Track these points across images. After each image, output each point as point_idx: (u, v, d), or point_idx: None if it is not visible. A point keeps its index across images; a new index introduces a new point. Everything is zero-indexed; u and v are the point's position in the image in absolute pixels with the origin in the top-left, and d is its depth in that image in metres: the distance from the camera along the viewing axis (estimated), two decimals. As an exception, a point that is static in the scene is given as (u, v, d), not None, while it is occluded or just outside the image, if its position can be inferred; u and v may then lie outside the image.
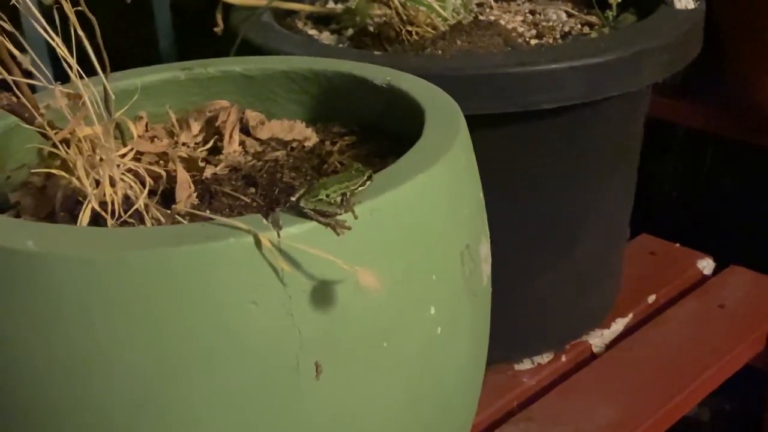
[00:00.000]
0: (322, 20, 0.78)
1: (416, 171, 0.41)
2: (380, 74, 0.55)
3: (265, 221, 0.38)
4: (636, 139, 0.72)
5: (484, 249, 0.47)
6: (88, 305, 0.37)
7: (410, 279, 0.41)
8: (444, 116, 0.48)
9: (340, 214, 0.38)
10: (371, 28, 0.72)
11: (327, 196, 0.39)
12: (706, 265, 0.88)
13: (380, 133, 0.55)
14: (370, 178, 0.40)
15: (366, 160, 0.52)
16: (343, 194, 0.39)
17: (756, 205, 1.05)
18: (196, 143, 0.55)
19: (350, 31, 0.75)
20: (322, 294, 0.38)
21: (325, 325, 0.38)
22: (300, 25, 0.77)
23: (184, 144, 0.54)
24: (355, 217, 0.38)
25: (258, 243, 0.36)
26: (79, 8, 0.39)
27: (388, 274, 0.39)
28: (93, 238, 0.37)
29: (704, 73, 0.81)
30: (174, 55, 0.93)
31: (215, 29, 0.72)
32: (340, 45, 0.73)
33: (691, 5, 0.68)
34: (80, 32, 0.39)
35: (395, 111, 0.53)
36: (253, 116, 0.57)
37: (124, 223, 0.43)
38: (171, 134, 0.54)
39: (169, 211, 0.44)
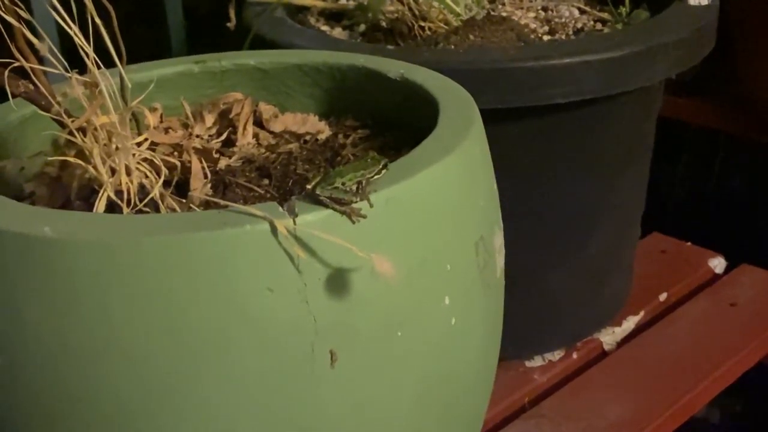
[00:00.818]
0: (334, 16, 0.78)
1: (431, 161, 0.41)
2: (394, 67, 0.55)
3: (280, 209, 0.38)
4: (649, 135, 0.72)
5: (498, 240, 0.47)
6: (105, 291, 0.37)
7: (425, 268, 0.41)
8: (458, 107, 0.48)
9: (356, 201, 0.38)
10: (383, 24, 0.72)
11: (343, 184, 0.39)
12: (718, 263, 0.87)
13: (394, 126, 0.55)
14: (385, 166, 0.40)
15: (380, 152, 0.52)
16: (359, 182, 0.39)
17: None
18: (210, 135, 0.55)
19: (362, 27, 0.75)
20: (338, 281, 0.38)
21: (340, 313, 0.38)
22: (312, 21, 0.77)
23: (198, 136, 0.54)
24: (371, 206, 0.38)
25: (274, 230, 0.36)
26: (96, -5, 0.39)
27: (403, 263, 0.39)
28: (110, 224, 0.37)
29: (716, 71, 0.81)
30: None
31: (228, 24, 0.72)
32: (352, 41, 0.73)
33: (705, 1, 0.68)
34: (97, 20, 0.39)
35: (409, 104, 0.53)
36: (266, 109, 0.57)
37: (140, 212, 0.43)
38: (185, 126, 0.54)
39: (184, 201, 0.44)
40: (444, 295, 0.42)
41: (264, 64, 0.58)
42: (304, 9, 0.78)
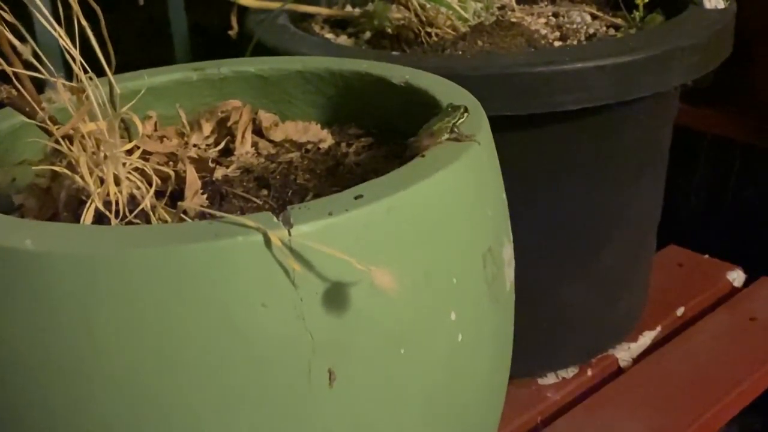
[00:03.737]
0: (339, 24, 0.76)
1: (436, 168, 0.39)
2: (398, 73, 0.53)
3: (275, 219, 0.35)
4: (664, 143, 0.70)
5: (508, 252, 0.45)
6: (89, 306, 0.35)
7: (429, 282, 0.39)
8: (465, 113, 0.45)
9: (450, 141, 0.41)
10: (389, 30, 0.70)
11: (434, 132, 0.41)
12: (737, 276, 0.85)
13: (399, 134, 0.53)
14: (466, 110, 0.43)
15: (384, 160, 0.50)
16: (450, 128, 0.42)
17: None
18: (207, 144, 0.53)
19: (368, 34, 0.73)
20: (336, 296, 0.36)
21: (338, 329, 0.36)
22: (317, 28, 0.75)
23: (195, 145, 0.52)
24: (479, 143, 0.41)
25: (268, 241, 0.34)
26: (83, -3, 0.38)
27: (406, 275, 0.37)
28: (94, 236, 0.35)
29: (734, 80, 0.79)
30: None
31: (230, 32, 0.71)
32: (357, 48, 0.71)
33: (721, 5, 0.66)
34: (83, 21, 0.37)
35: (414, 110, 0.51)
36: (266, 117, 0.55)
37: (129, 224, 0.41)
38: (181, 135, 0.52)
39: (176, 211, 0.42)
40: (450, 310, 0.40)
41: (264, 71, 0.56)
42: (308, 16, 0.76)
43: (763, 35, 0.93)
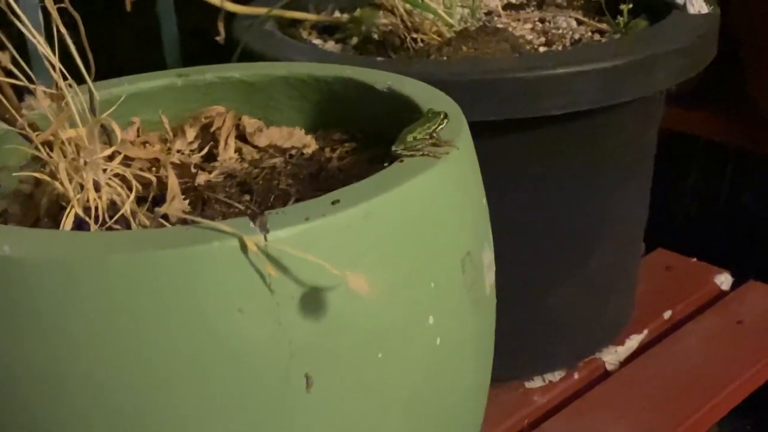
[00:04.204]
0: (326, 29, 0.76)
1: (413, 173, 0.39)
2: (381, 79, 0.53)
3: (252, 224, 0.36)
4: (650, 147, 0.70)
5: (488, 256, 0.45)
6: (67, 311, 0.35)
7: (407, 286, 0.39)
8: (445, 118, 0.46)
9: (430, 146, 0.42)
10: (376, 36, 0.70)
11: (414, 138, 0.42)
12: (724, 280, 0.85)
13: (382, 139, 0.53)
14: (446, 116, 0.44)
15: (367, 165, 0.51)
16: (429, 134, 0.42)
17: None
18: (191, 150, 0.53)
19: (355, 40, 0.73)
20: (313, 301, 0.36)
21: (316, 334, 0.36)
22: (305, 34, 0.75)
23: (178, 151, 0.52)
24: (458, 148, 0.42)
25: (244, 247, 0.34)
26: (62, 5, 0.38)
27: (384, 280, 0.37)
28: (71, 243, 0.35)
29: (725, 83, 0.79)
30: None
31: (217, 38, 0.71)
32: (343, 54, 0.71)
33: (705, 10, 0.66)
34: (62, 29, 0.37)
35: (397, 116, 0.51)
36: (250, 123, 0.55)
37: (109, 229, 0.41)
38: (165, 141, 0.52)
39: (157, 217, 0.42)
40: (428, 314, 0.40)
41: (249, 76, 0.57)
42: (296, 22, 0.76)
43: (753, 39, 0.94)
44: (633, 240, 0.74)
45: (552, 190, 0.64)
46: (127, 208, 0.41)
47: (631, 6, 0.69)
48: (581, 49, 0.64)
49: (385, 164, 0.42)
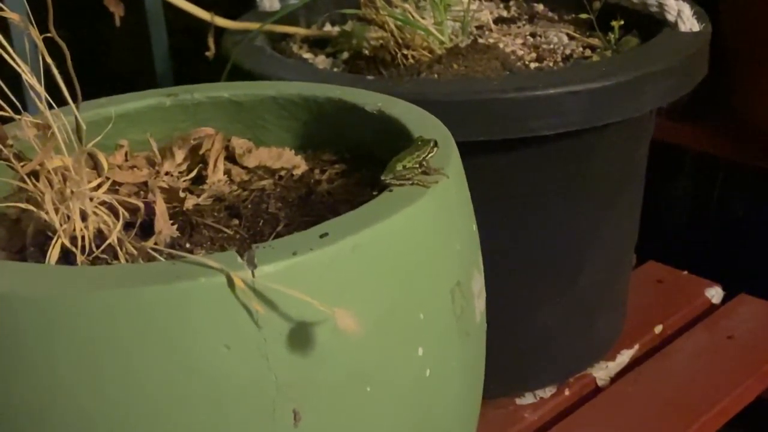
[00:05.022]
0: (317, 43, 0.76)
1: (402, 204, 0.39)
2: (371, 100, 0.53)
3: (239, 259, 0.35)
4: (641, 163, 0.70)
5: (477, 284, 0.45)
6: (52, 347, 0.34)
7: (396, 319, 0.39)
8: (435, 145, 0.45)
9: (420, 175, 0.42)
10: (366, 52, 0.70)
11: (404, 167, 0.42)
12: (715, 293, 0.85)
13: (372, 161, 0.53)
14: (436, 144, 0.44)
15: (356, 188, 0.50)
16: (419, 162, 0.42)
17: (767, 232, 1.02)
18: (180, 172, 0.53)
19: (345, 55, 0.73)
20: (300, 336, 0.36)
21: (303, 369, 0.36)
22: (295, 48, 0.75)
23: (167, 173, 0.52)
24: (447, 177, 0.42)
25: (231, 283, 0.34)
26: (48, 35, 0.37)
27: (372, 313, 0.37)
28: (56, 277, 0.35)
29: (714, 96, 0.79)
30: (171, 79, 0.91)
31: (207, 53, 0.70)
32: (335, 69, 0.71)
33: (696, 27, 0.66)
34: (48, 60, 0.37)
35: (387, 138, 0.51)
36: (239, 144, 0.55)
37: (96, 259, 0.41)
38: (153, 164, 0.52)
39: (144, 245, 0.42)
40: (417, 346, 0.40)
41: (238, 96, 0.56)
42: (287, 36, 0.76)
43: (743, 51, 0.94)
44: (623, 256, 0.74)
45: (540, 209, 0.64)
46: (114, 238, 0.41)
47: (622, 22, 0.69)
48: (570, 70, 0.64)
49: (374, 192, 0.42)
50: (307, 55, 0.74)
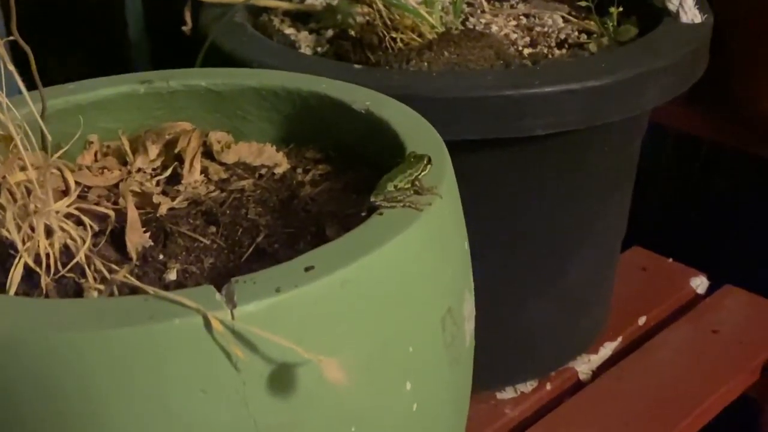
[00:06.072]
0: (300, 18, 0.72)
1: (394, 230, 0.37)
2: (359, 97, 0.50)
3: (217, 295, 0.33)
4: (634, 157, 0.67)
5: (468, 306, 0.43)
6: (15, 391, 0.32)
7: (384, 355, 0.36)
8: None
9: (412, 195, 0.39)
10: (352, 32, 0.66)
11: (395, 187, 0.39)
12: (700, 283, 0.84)
13: (359, 160, 0.51)
14: (429, 161, 0.41)
15: (342, 194, 0.48)
16: (411, 181, 0.40)
17: (755, 218, 1.00)
18: (153, 169, 0.49)
19: (330, 32, 0.69)
20: (282, 379, 0.33)
21: (284, 413, 0.34)
22: (276, 23, 0.71)
23: (139, 170, 0.49)
24: (441, 197, 0.39)
25: (208, 324, 0.32)
26: (12, 38, 0.34)
27: (360, 354, 0.35)
28: (17, 314, 0.32)
29: (705, 78, 0.76)
30: (147, 58, 0.87)
31: (183, 28, 0.67)
32: (319, 48, 0.67)
33: (698, 19, 0.63)
34: (11, 67, 0.34)
35: (375, 138, 0.49)
36: (218, 138, 0.52)
37: (62, 278, 0.38)
38: (124, 163, 0.48)
39: (113, 265, 0.39)
40: (405, 381, 0.37)
41: (217, 85, 0.53)
42: (268, 9, 0.72)
43: (737, 31, 0.91)
44: (611, 252, 0.72)
45: (531, 207, 0.62)
46: (81, 256, 0.38)
47: (621, 9, 0.66)
48: (568, 66, 0.61)
49: (363, 213, 0.39)
50: (289, 31, 0.70)
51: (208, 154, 0.51)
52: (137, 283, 0.34)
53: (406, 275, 0.37)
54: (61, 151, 0.38)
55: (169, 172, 0.49)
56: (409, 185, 0.39)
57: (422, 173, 0.40)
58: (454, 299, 0.40)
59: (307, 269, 0.34)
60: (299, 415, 0.34)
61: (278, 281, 0.33)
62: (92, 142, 0.47)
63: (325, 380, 0.34)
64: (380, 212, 0.38)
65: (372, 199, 0.39)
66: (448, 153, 0.44)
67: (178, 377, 0.32)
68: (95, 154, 0.47)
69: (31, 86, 0.37)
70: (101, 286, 0.38)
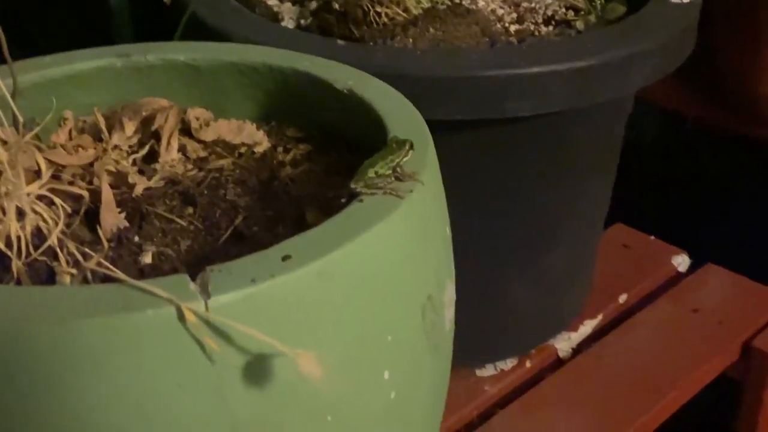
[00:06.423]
0: (283, -12, 0.71)
1: (374, 219, 0.36)
2: (342, 76, 0.49)
3: (191, 285, 0.32)
4: (618, 139, 0.67)
5: (449, 293, 0.42)
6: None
7: (362, 345, 0.36)
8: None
9: (393, 182, 0.38)
10: (336, 5, 0.65)
11: (376, 173, 0.39)
12: (682, 261, 0.83)
13: (340, 140, 0.50)
14: (411, 147, 0.40)
15: (323, 177, 0.47)
16: (393, 168, 0.39)
17: (739, 197, 1.00)
18: (129, 146, 0.48)
19: (314, 4, 0.68)
20: (258, 370, 0.32)
21: (261, 405, 0.33)
22: (259, -8, 0.70)
23: (115, 147, 0.48)
24: (423, 183, 0.39)
25: (181, 315, 0.31)
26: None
27: (338, 345, 0.34)
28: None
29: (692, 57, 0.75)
30: (129, 27, 0.85)
31: (164, -1, 0.65)
32: (302, 20, 0.66)
33: (687, -2, 0.62)
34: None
35: (357, 119, 0.48)
36: (196, 114, 0.50)
37: (34, 262, 0.37)
38: (100, 140, 0.47)
39: (87, 248, 0.38)
40: (383, 370, 0.37)
41: (196, 60, 0.52)
42: (250, -22, 0.71)
43: (722, 8, 0.90)
44: (594, 232, 0.71)
45: (513, 187, 0.61)
46: (54, 239, 0.37)
47: (609, -12, 0.65)
48: (554, 46, 0.60)
49: (342, 200, 0.39)
50: (272, 2, 0.69)
51: (186, 131, 0.50)
52: (110, 270, 0.33)
53: (386, 264, 0.36)
54: (33, 131, 0.37)
55: (146, 149, 0.48)
56: (391, 171, 0.39)
57: (404, 159, 0.40)
58: (434, 287, 0.40)
59: (284, 258, 0.33)
60: (276, 407, 0.34)
61: (254, 271, 0.33)
62: (67, 119, 0.46)
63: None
64: (360, 199, 0.37)
65: (352, 185, 0.38)
66: (430, 136, 0.43)
67: (152, 371, 0.31)
68: (69, 132, 0.46)
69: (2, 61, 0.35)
70: (74, 270, 0.37)
